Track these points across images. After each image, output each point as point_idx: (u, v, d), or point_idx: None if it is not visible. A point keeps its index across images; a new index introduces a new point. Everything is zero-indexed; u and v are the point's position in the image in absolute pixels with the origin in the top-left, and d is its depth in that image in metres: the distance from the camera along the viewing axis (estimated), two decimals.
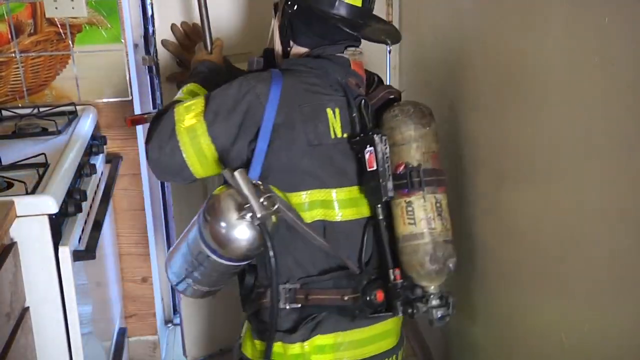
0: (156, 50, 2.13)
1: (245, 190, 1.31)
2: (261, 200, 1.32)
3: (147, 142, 1.51)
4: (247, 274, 1.54)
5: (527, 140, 1.45)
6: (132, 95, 2.23)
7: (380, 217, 1.51)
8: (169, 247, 2.60)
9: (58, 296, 1.52)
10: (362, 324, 1.52)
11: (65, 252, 1.51)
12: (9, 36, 2.12)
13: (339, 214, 1.49)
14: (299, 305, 1.48)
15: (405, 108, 1.54)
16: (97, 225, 1.75)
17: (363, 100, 1.53)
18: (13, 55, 2.14)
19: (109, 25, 2.15)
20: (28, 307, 1.49)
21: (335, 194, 1.49)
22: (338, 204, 1.49)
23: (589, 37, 1.17)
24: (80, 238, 1.64)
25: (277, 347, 1.48)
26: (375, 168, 1.46)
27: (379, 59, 2.44)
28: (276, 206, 1.34)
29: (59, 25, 2.13)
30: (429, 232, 1.49)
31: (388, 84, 2.46)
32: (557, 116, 1.31)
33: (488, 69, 1.66)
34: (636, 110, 1.04)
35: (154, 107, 2.40)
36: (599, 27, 1.13)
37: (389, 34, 1.64)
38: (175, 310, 2.74)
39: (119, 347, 2.17)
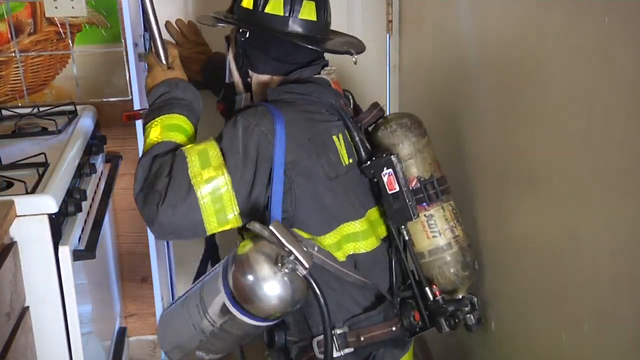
0: (152, 47, 2.13)
1: (286, 241, 1.19)
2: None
3: (147, 201, 1.31)
4: (275, 332, 1.43)
5: (526, 139, 1.45)
6: (132, 94, 2.23)
7: (407, 237, 1.48)
8: (168, 247, 2.59)
9: (58, 296, 1.52)
10: (406, 349, 1.51)
11: (65, 251, 1.51)
12: (9, 36, 2.11)
13: (365, 245, 1.44)
14: (352, 349, 1.41)
15: (402, 121, 1.51)
16: (97, 225, 1.75)
17: (359, 122, 1.50)
18: (13, 54, 2.13)
19: (109, 25, 2.15)
20: (28, 307, 1.49)
21: (358, 225, 1.43)
22: (362, 235, 1.44)
23: (588, 37, 1.17)
24: (80, 237, 1.64)
25: None
26: (398, 189, 1.43)
27: (379, 59, 2.44)
28: (315, 250, 1.29)
29: (59, 25, 2.13)
30: (455, 241, 1.49)
31: (388, 84, 2.47)
32: (556, 115, 1.31)
33: (488, 68, 1.66)
34: (636, 110, 1.04)
35: None
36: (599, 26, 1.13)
37: (351, 44, 1.58)
38: None
39: (119, 346, 2.16)
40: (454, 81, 1.89)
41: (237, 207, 1.33)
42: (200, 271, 1.67)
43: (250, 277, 1.21)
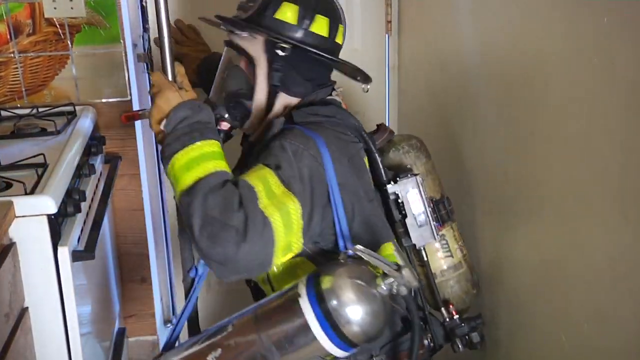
0: (150, 47, 2.13)
1: (381, 261, 1.13)
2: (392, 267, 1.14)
3: (218, 240, 1.14)
4: None
5: (526, 141, 1.45)
6: (131, 95, 2.23)
7: (426, 258, 1.47)
8: (167, 247, 2.59)
9: (57, 296, 1.52)
10: None
11: (64, 252, 1.51)
12: (8, 36, 2.11)
13: None
14: None
15: (412, 142, 1.51)
16: (96, 226, 1.74)
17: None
18: (12, 55, 2.13)
19: (108, 26, 2.14)
20: (27, 308, 1.48)
21: (392, 246, 1.37)
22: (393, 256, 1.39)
23: (588, 38, 1.17)
24: (79, 238, 1.64)
25: None
26: (423, 209, 1.43)
27: (378, 60, 2.44)
28: (403, 266, 1.17)
29: (58, 26, 2.12)
30: (464, 260, 1.50)
31: (387, 85, 2.47)
32: (555, 114, 1.31)
33: (488, 68, 1.66)
34: (636, 111, 1.05)
35: None
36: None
37: (360, 72, 1.54)
38: (174, 311, 2.74)
39: (118, 347, 2.16)
40: (454, 82, 1.89)
41: (302, 235, 1.24)
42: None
43: (355, 304, 1.11)
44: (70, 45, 2.15)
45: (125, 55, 2.18)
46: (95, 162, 1.96)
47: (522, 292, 1.53)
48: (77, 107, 2.11)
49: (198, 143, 1.23)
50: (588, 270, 1.23)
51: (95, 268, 1.90)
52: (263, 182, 1.21)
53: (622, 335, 1.14)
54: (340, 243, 1.28)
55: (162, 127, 1.28)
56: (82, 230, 1.68)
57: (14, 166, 1.62)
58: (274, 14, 1.42)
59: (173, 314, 2.75)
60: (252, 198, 1.18)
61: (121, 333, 2.26)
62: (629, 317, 1.11)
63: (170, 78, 1.36)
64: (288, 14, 1.41)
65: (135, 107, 2.29)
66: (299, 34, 1.42)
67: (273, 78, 1.43)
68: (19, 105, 2.16)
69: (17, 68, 2.15)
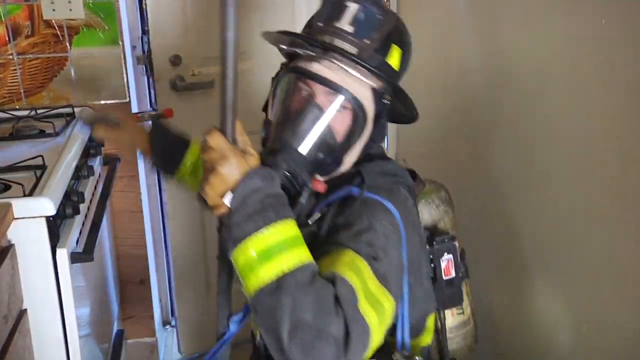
0: (150, 49, 2.13)
1: None
2: None
3: (311, 351, 0.94)
4: None
5: (526, 142, 1.46)
6: (129, 97, 2.23)
7: (444, 319, 1.41)
8: (166, 249, 2.59)
9: (56, 298, 1.52)
10: None
11: (62, 254, 1.50)
12: (7, 38, 2.11)
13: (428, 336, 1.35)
14: None
15: (441, 195, 1.41)
16: (95, 227, 1.74)
17: None
18: (10, 57, 2.13)
19: (107, 27, 2.15)
20: (26, 310, 1.48)
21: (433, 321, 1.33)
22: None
23: (588, 40, 1.18)
24: (78, 240, 1.64)
25: None
26: (454, 275, 1.36)
27: None
28: None
29: (57, 27, 2.12)
30: (471, 316, 1.47)
31: None
32: (557, 113, 1.31)
33: (486, 67, 1.66)
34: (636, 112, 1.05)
35: (151, 108, 2.41)
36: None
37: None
38: (173, 312, 2.74)
39: (117, 349, 2.16)
40: (454, 81, 1.89)
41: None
42: None
43: None
44: (69, 47, 2.15)
45: (124, 56, 2.18)
46: (94, 163, 1.96)
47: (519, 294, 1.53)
48: (75, 109, 2.11)
49: (276, 225, 1.00)
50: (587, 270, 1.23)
51: (94, 270, 1.90)
52: (358, 276, 1.03)
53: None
54: (399, 336, 1.18)
55: (226, 201, 1.02)
56: (80, 232, 1.67)
57: (12, 168, 1.62)
58: (386, 57, 1.21)
59: (172, 315, 2.75)
60: (351, 300, 0.98)
61: (120, 335, 2.26)
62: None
63: (229, 138, 1.04)
64: (395, 58, 1.22)
65: (134, 108, 2.29)
66: (398, 82, 1.23)
67: (375, 131, 1.22)
68: (17, 107, 2.16)
69: (15, 70, 2.15)
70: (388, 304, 1.04)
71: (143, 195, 2.37)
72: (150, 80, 2.21)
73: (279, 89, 1.24)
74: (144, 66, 2.33)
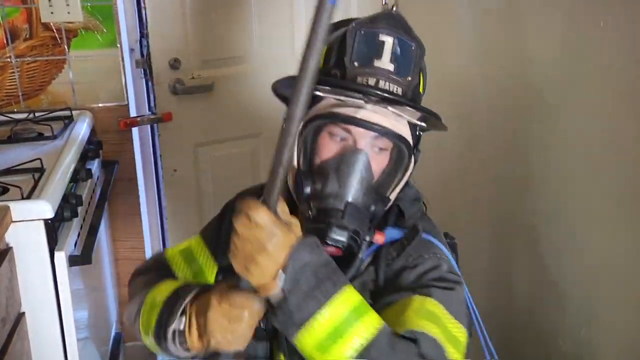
0: (149, 52, 2.13)
1: None
2: None
3: None
4: None
5: (525, 143, 1.46)
6: (128, 99, 2.23)
7: None
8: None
9: (54, 301, 1.52)
10: None
11: (61, 257, 1.50)
12: (5, 41, 2.11)
13: None
14: None
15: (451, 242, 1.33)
16: (93, 230, 1.74)
17: None
18: (9, 60, 2.13)
19: (105, 30, 2.15)
20: (24, 312, 1.48)
21: None
22: None
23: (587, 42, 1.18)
24: (76, 243, 1.63)
25: None
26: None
27: None
28: None
29: (55, 30, 2.13)
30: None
31: None
32: (556, 113, 1.31)
33: (484, 67, 1.67)
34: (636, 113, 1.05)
35: (150, 111, 2.41)
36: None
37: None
38: None
39: (115, 352, 2.16)
40: (454, 83, 1.89)
41: None
42: None
43: None
44: (67, 50, 2.15)
45: (122, 59, 2.18)
46: (92, 166, 1.96)
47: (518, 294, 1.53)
48: (74, 112, 2.11)
49: (338, 297, 0.93)
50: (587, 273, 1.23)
51: (92, 273, 1.90)
52: (436, 323, 0.98)
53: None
54: None
55: (279, 283, 0.92)
56: (79, 235, 1.67)
57: (10, 171, 1.62)
58: (419, 87, 1.15)
59: None
60: (439, 356, 0.95)
61: (118, 338, 2.26)
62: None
63: (272, 209, 0.92)
64: (422, 84, 1.16)
65: (132, 111, 2.29)
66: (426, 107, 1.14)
67: (414, 166, 1.14)
68: (15, 110, 2.16)
69: (14, 73, 2.14)
70: (463, 337, 1.00)
71: (141, 198, 2.37)
72: (150, 83, 2.21)
73: (315, 139, 1.11)
74: (142, 69, 2.33)
